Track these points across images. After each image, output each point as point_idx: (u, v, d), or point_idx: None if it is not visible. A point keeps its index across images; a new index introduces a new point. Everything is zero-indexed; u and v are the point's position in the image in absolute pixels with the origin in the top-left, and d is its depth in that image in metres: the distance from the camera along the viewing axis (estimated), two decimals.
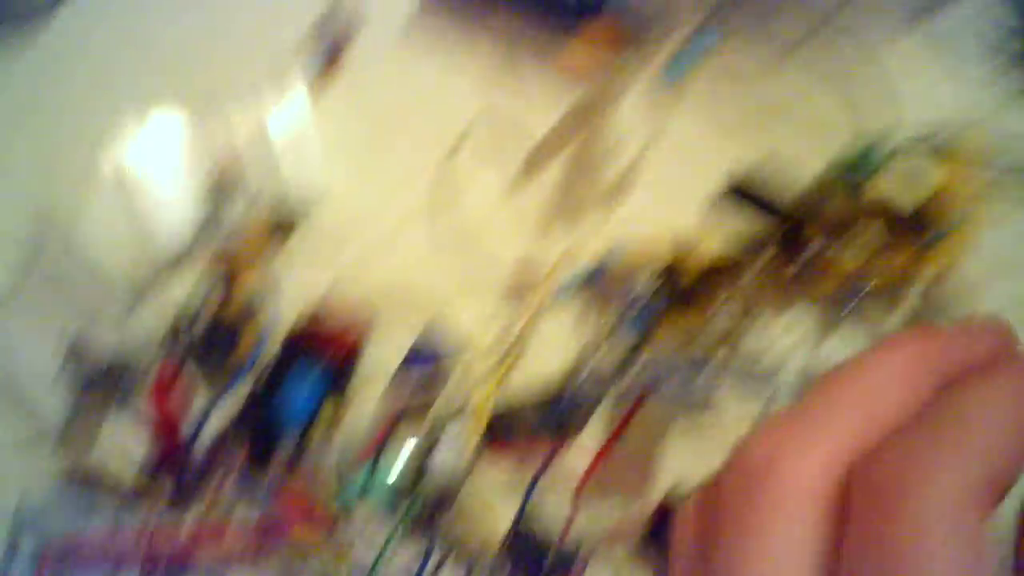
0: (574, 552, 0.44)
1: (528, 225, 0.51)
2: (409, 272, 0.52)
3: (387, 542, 0.42)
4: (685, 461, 0.46)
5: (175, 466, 0.48)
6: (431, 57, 0.56)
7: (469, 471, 0.47)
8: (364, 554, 0.47)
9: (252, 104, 0.55)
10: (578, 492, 0.46)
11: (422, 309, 0.52)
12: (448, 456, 0.43)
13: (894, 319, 0.45)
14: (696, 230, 0.48)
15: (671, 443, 0.47)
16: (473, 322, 0.50)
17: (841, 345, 0.43)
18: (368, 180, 0.55)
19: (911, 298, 0.45)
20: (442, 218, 0.53)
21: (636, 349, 0.45)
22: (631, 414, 0.47)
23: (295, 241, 0.55)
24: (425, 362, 0.48)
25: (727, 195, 0.42)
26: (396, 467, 0.47)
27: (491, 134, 0.53)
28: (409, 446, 0.47)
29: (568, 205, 0.51)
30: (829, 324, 0.41)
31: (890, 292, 0.45)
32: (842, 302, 0.43)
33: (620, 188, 0.50)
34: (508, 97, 0.52)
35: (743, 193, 0.41)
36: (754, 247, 0.45)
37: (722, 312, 0.45)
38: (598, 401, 0.46)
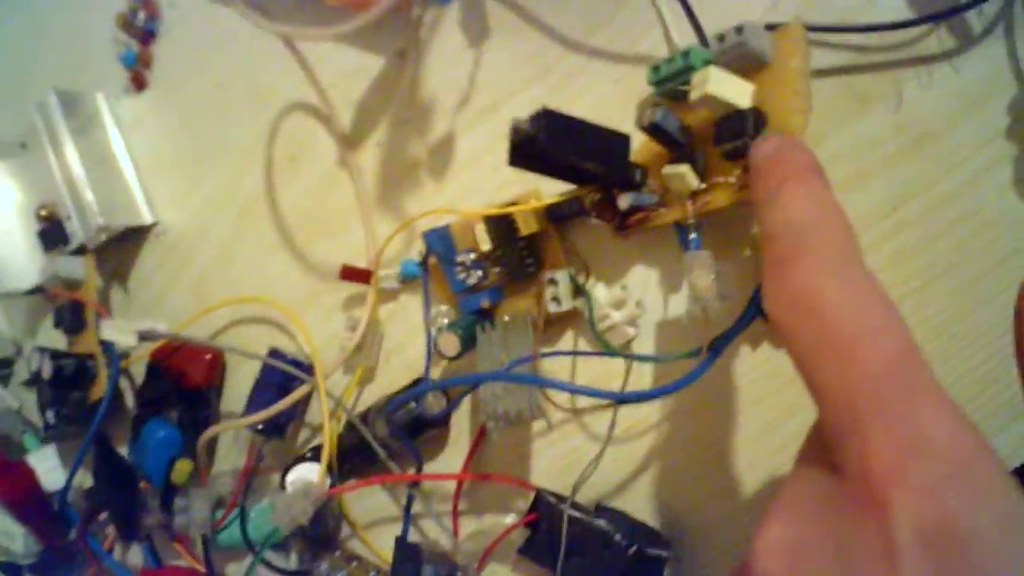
0: (465, 564, 0.40)
1: (354, 212, 0.43)
2: (248, 283, 0.46)
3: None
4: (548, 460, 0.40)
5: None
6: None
7: (332, 502, 0.43)
8: None
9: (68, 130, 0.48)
10: (455, 507, 0.41)
11: (268, 322, 0.46)
12: (304, 497, 0.39)
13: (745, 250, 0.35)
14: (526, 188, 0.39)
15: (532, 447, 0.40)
16: (320, 327, 0.44)
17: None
18: (194, 187, 0.48)
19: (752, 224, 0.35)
20: (269, 220, 0.45)
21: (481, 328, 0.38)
22: (480, 436, 0.41)
23: (137, 265, 0.50)
24: (278, 384, 0.43)
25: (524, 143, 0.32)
26: (261, 514, 0.44)
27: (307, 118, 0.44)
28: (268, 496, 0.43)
29: (395, 177, 0.42)
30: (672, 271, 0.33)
31: (731, 217, 0.35)
32: (683, 237, 0.34)
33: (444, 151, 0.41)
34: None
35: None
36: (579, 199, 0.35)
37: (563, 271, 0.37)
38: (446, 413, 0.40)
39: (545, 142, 0.30)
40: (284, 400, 0.41)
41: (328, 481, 0.40)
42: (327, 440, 0.40)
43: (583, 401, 0.39)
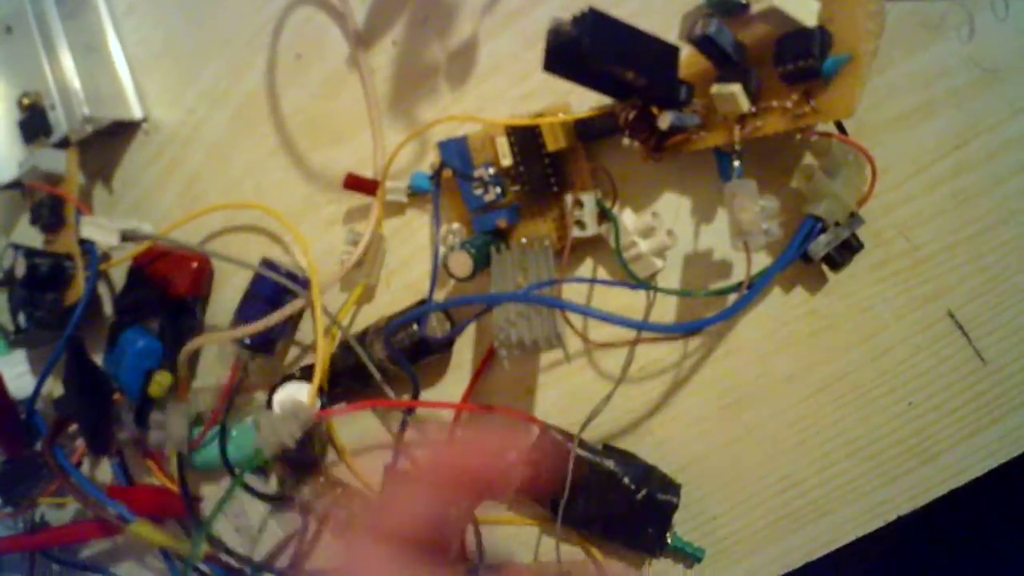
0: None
1: (363, 117, 0.39)
2: (243, 189, 0.43)
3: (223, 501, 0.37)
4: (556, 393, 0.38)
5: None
6: None
7: (320, 425, 0.40)
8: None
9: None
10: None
11: (262, 231, 0.43)
12: (289, 419, 0.36)
13: (790, 181, 0.32)
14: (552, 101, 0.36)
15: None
16: (318, 239, 0.41)
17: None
18: (189, 81, 0.44)
19: (802, 155, 0.32)
20: (269, 121, 0.42)
21: (496, 247, 0.35)
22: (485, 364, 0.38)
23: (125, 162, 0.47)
24: (268, 297, 0.40)
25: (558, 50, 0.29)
26: (243, 433, 0.41)
27: (317, 11, 0.40)
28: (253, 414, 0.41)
29: (407, 86, 0.39)
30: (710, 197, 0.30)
31: (778, 146, 0.33)
32: (724, 165, 0.31)
33: (463, 59, 0.37)
34: None
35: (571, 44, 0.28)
36: (613, 114, 0.32)
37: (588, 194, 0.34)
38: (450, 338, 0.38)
39: (589, 46, 0.27)
40: (276, 314, 0.38)
41: (319, 403, 0.37)
42: (320, 358, 0.37)
43: (597, 334, 0.37)
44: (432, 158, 0.38)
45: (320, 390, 0.39)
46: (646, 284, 0.34)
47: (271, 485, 0.44)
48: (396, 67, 0.39)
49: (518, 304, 0.32)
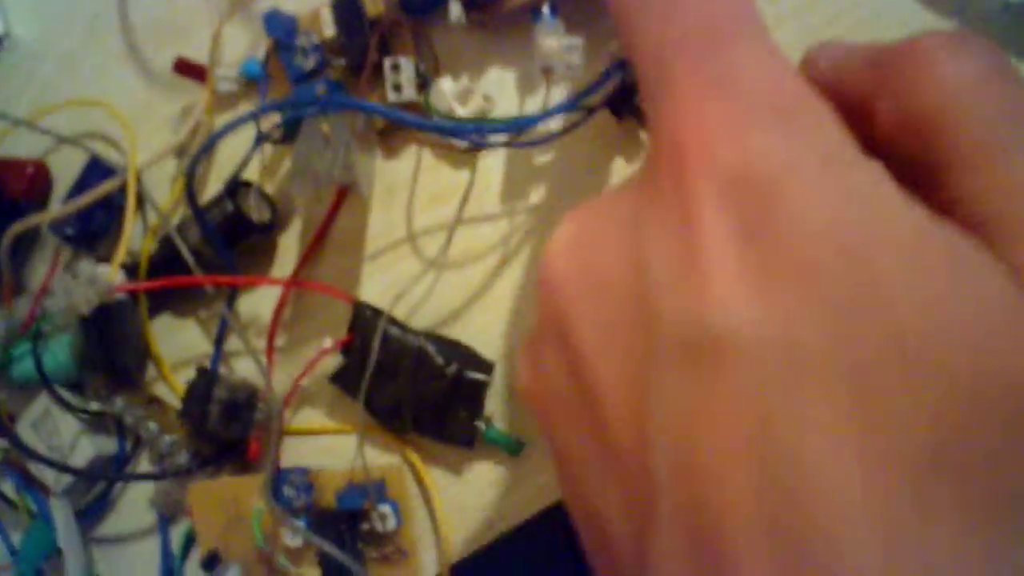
0: (278, 403, 0.35)
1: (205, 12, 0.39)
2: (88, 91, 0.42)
3: None
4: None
5: None
6: None
7: (133, 327, 0.38)
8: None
9: None
10: (272, 328, 0.36)
11: (102, 138, 0.42)
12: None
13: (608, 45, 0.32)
14: None
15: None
16: (151, 140, 0.40)
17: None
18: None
19: None
20: (118, 28, 0.42)
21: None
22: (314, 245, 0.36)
23: None
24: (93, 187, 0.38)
25: None
26: (61, 343, 0.39)
27: None
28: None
29: None
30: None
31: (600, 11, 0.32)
32: (537, 18, 0.31)
33: None
34: None
35: None
36: None
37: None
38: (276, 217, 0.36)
39: None
40: (88, 193, 0.36)
41: (121, 275, 0.35)
42: (125, 232, 0.35)
43: (420, 221, 0.35)
44: (266, 49, 0.37)
45: (131, 273, 0.36)
46: (471, 123, 0.33)
47: (89, 400, 0.40)
48: None
49: (317, 145, 0.31)
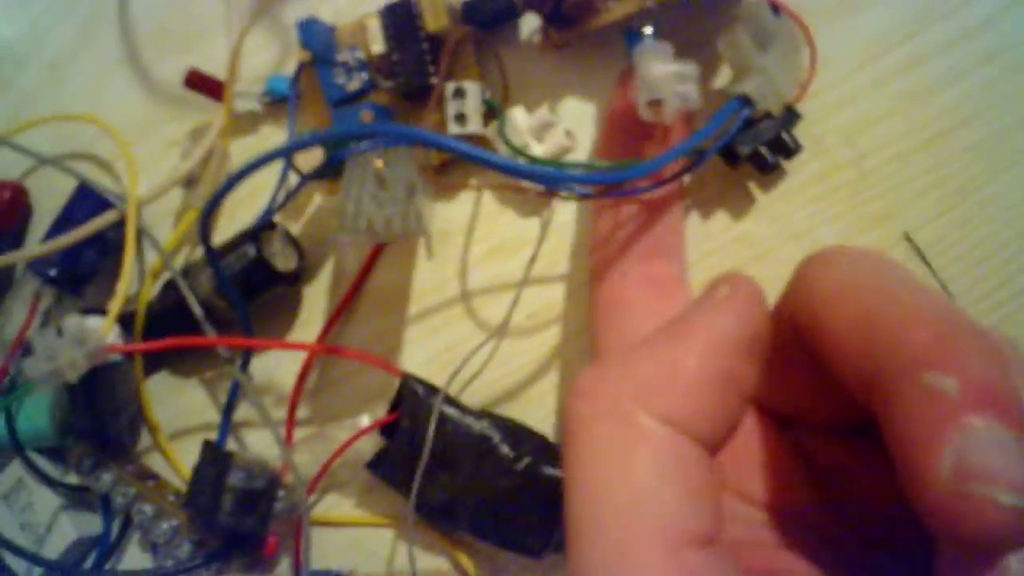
0: (295, 487, 0.29)
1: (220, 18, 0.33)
2: (79, 108, 0.36)
3: None
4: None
5: None
6: None
7: (127, 390, 0.32)
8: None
9: None
10: (293, 401, 0.30)
11: (93, 159, 0.36)
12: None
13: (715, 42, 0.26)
14: None
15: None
16: (157, 163, 0.34)
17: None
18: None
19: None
20: (115, 29, 0.35)
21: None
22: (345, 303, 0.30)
23: None
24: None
25: None
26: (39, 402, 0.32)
27: None
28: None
29: None
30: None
31: (700, 25, 0.27)
32: (634, 43, 0.25)
33: None
34: None
35: None
36: None
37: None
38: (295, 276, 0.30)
39: None
40: (76, 230, 0.30)
41: (116, 331, 0.29)
42: (124, 278, 0.29)
43: (478, 277, 0.29)
44: (297, 62, 0.31)
45: (127, 328, 0.30)
46: (548, 166, 0.27)
47: (69, 470, 0.34)
48: None
49: (371, 187, 0.25)
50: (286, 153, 0.25)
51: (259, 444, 0.32)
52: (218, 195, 0.25)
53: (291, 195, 0.29)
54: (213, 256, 0.28)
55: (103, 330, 0.28)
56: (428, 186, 0.29)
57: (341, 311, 0.30)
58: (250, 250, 0.29)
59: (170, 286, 0.31)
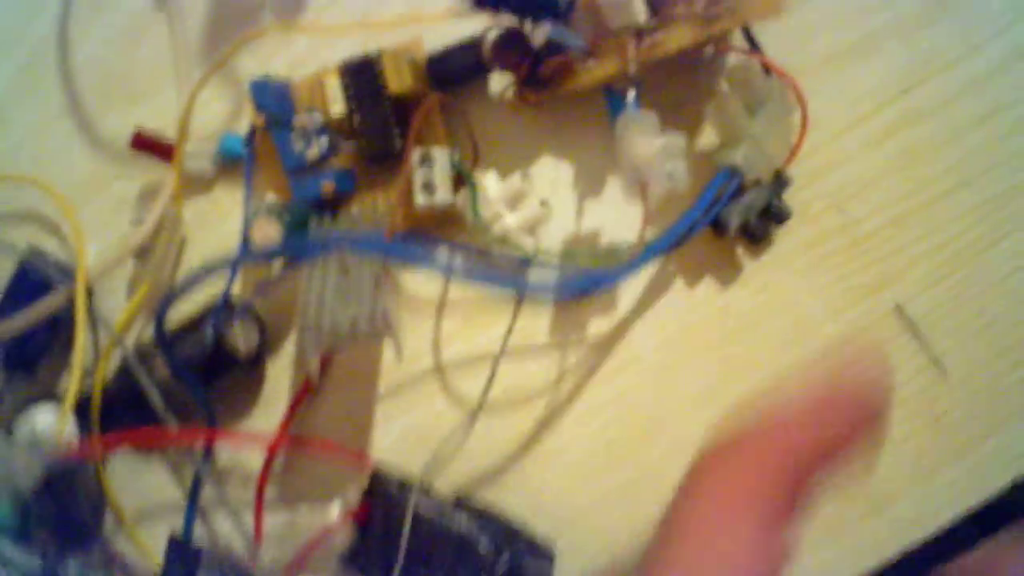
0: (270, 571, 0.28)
1: (168, 68, 0.31)
2: (20, 161, 0.33)
3: None
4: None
5: None
6: None
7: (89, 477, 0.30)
8: None
9: None
10: (259, 492, 0.29)
11: (35, 219, 0.33)
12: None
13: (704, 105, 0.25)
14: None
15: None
16: (105, 224, 0.32)
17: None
18: None
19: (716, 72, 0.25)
20: (57, 76, 0.33)
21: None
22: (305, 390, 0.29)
23: None
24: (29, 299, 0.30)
25: None
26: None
27: None
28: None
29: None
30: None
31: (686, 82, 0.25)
32: (616, 106, 0.24)
33: None
34: None
35: None
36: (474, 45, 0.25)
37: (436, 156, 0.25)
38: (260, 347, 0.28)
39: None
40: (24, 312, 0.28)
41: (72, 430, 0.27)
42: (75, 370, 0.27)
43: (451, 350, 0.28)
44: (249, 119, 0.29)
45: (83, 418, 0.28)
46: (524, 254, 0.25)
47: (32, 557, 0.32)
48: (212, 5, 0.31)
49: (334, 279, 0.23)
50: (233, 265, 0.24)
51: (227, 525, 0.30)
52: (164, 304, 0.23)
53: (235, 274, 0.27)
54: (168, 350, 0.26)
55: (58, 427, 0.26)
56: (393, 282, 0.27)
57: (304, 395, 0.29)
58: (207, 336, 0.27)
59: (125, 370, 0.29)
